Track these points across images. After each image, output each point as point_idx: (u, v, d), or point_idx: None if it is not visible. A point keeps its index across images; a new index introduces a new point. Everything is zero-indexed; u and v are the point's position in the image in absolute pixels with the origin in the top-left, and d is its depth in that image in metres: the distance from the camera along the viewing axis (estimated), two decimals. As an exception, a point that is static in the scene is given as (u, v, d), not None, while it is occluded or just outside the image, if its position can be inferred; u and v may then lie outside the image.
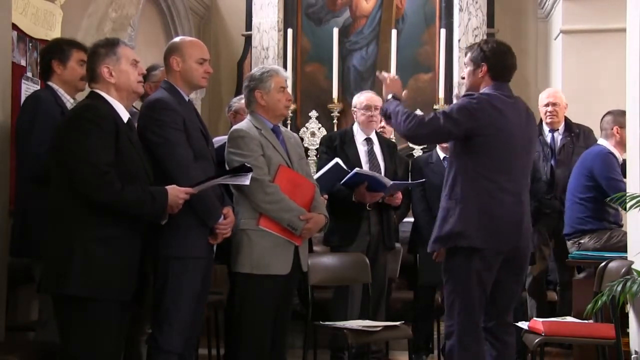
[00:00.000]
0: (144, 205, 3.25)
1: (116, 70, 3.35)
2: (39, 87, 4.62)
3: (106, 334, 3.21)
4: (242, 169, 3.59)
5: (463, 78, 3.99)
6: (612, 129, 5.09)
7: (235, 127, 4.12)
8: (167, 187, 3.35)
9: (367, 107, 5.08)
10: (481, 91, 3.82)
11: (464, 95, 3.88)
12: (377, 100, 5.07)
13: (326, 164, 4.83)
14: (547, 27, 7.44)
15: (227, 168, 3.91)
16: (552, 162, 5.68)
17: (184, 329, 3.58)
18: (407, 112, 3.84)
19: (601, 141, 5.17)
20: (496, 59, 3.81)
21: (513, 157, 3.77)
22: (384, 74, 4.09)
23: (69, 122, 3.30)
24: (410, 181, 5.33)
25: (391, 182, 4.78)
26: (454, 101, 3.92)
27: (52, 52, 4.06)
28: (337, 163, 4.70)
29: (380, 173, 4.94)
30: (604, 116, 5.22)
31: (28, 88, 4.66)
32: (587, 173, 5.05)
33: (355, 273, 4.72)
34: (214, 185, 3.63)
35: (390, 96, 3.96)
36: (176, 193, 3.35)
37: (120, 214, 3.21)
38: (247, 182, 3.65)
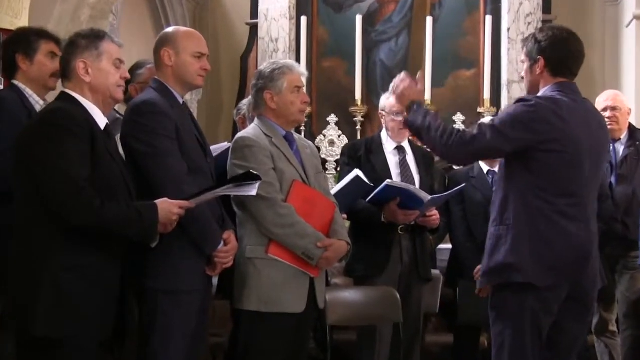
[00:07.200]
0: (130, 224, 3.25)
1: (94, 68, 3.35)
2: (1, 87, 4.65)
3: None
4: (248, 177, 3.58)
5: (522, 78, 3.94)
6: None
7: (240, 134, 4.11)
8: (157, 201, 3.34)
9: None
10: (540, 93, 3.77)
11: (518, 101, 3.80)
12: None
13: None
14: (616, 12, 7.45)
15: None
16: (613, 178, 5.63)
17: (174, 376, 3.59)
18: (441, 124, 3.75)
19: None
20: (554, 49, 3.74)
21: (579, 176, 3.69)
22: (397, 80, 3.93)
23: (37, 129, 3.28)
24: (449, 192, 5.29)
25: (429, 197, 4.74)
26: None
27: (16, 45, 4.08)
28: (357, 176, 4.68)
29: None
30: None
31: (-11, 88, 4.69)
32: None
33: (384, 310, 4.70)
34: (213, 201, 3.63)
35: (415, 105, 3.84)
36: (168, 207, 3.34)
37: (100, 237, 3.21)
38: (254, 193, 3.64)
